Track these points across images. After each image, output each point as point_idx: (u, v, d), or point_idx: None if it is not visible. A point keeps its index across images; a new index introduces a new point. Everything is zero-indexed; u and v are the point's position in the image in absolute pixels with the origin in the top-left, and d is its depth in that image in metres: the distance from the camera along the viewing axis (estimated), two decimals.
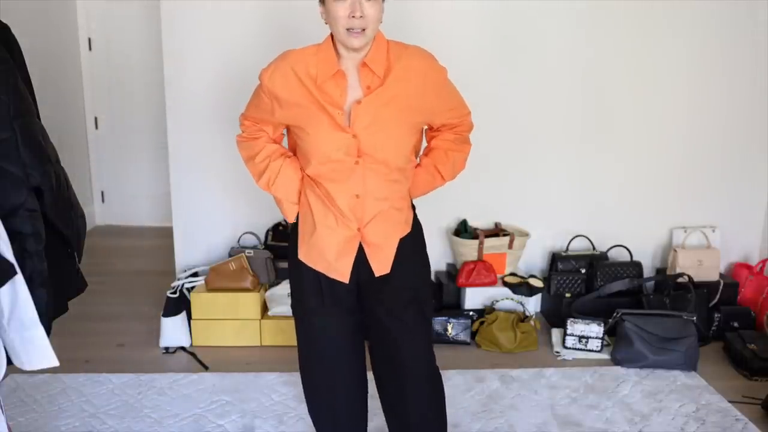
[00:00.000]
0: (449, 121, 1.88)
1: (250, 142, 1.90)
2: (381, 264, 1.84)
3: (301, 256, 1.87)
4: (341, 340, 1.94)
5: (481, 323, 3.16)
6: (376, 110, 1.72)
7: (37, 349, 1.66)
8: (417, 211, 1.97)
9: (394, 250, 1.84)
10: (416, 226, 1.93)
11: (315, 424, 2.09)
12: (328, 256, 1.82)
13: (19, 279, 1.60)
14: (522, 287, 3.27)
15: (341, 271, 1.83)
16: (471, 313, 3.24)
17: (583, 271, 3.37)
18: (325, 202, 1.80)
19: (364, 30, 1.65)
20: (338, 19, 1.65)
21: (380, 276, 1.84)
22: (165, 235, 3.96)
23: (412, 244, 1.90)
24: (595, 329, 3.05)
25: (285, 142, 1.96)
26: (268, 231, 3.39)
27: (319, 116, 1.72)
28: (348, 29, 1.65)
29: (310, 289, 1.89)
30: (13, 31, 1.76)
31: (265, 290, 3.19)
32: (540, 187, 3.45)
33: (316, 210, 1.81)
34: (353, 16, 1.63)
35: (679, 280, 3.23)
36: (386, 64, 1.73)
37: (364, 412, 2.09)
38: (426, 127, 1.93)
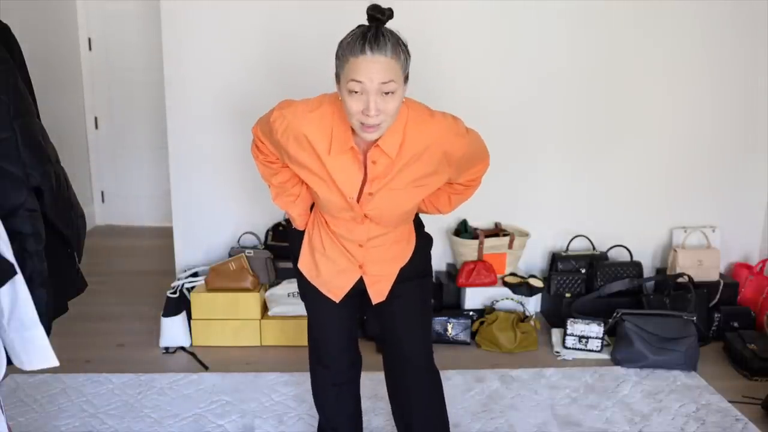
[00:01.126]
0: (465, 180, 1.85)
1: (268, 165, 1.84)
2: (378, 293, 1.86)
3: (301, 266, 1.89)
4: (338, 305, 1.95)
5: (481, 323, 3.16)
6: (387, 196, 1.68)
7: (37, 349, 1.66)
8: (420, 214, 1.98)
9: (393, 280, 1.85)
10: (421, 242, 1.92)
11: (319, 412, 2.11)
12: (327, 275, 1.85)
13: (19, 279, 1.60)
14: (522, 287, 3.27)
15: (334, 293, 1.87)
16: (471, 313, 3.24)
17: (583, 271, 3.37)
18: (330, 235, 1.82)
19: (379, 125, 1.53)
20: (351, 114, 1.53)
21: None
22: (165, 235, 3.96)
23: (416, 255, 1.90)
24: (595, 329, 3.05)
25: None
26: (268, 231, 3.39)
27: (330, 188, 1.68)
28: (362, 123, 1.53)
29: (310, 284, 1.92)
30: (14, 31, 1.76)
31: (265, 290, 3.19)
32: (540, 187, 3.45)
33: (324, 237, 1.83)
34: (367, 114, 1.51)
35: (679, 280, 3.23)
36: (401, 139, 1.61)
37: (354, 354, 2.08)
38: None
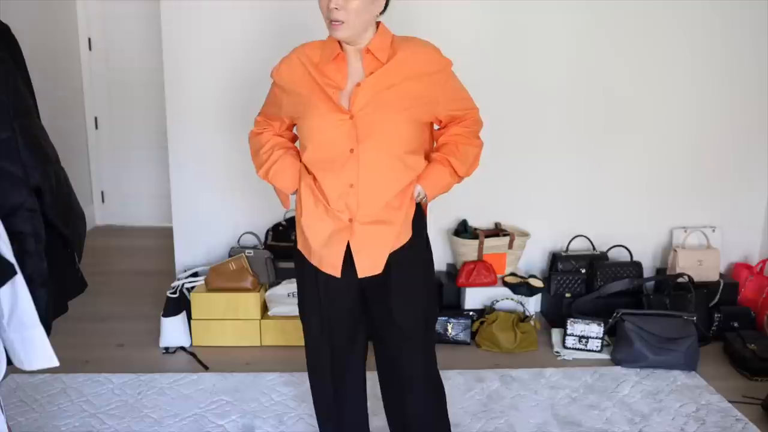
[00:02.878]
0: (454, 113, 1.85)
1: (257, 137, 1.94)
2: (364, 264, 1.77)
3: (299, 245, 1.88)
4: (341, 339, 1.95)
5: (481, 323, 3.16)
6: (376, 92, 1.72)
7: (37, 349, 1.66)
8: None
9: (383, 253, 1.77)
10: (419, 231, 1.86)
11: (318, 424, 2.11)
12: (316, 245, 1.79)
13: (19, 279, 1.60)
14: (522, 287, 3.27)
15: (331, 263, 1.78)
16: (471, 313, 3.24)
17: (583, 271, 3.37)
18: (315, 192, 1.78)
19: (343, 22, 1.67)
20: (322, 11, 1.70)
21: (382, 285, 1.82)
22: (165, 235, 3.96)
23: (415, 252, 1.85)
24: (595, 329, 3.05)
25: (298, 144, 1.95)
26: (268, 231, 3.39)
27: (318, 99, 1.74)
28: (329, 20, 1.68)
29: (308, 285, 1.90)
30: (14, 31, 1.76)
31: (265, 290, 3.19)
32: (540, 187, 3.45)
33: (305, 198, 1.80)
34: (329, 8, 1.66)
35: (679, 280, 3.23)
36: (390, 53, 1.76)
37: (364, 405, 2.11)
38: (436, 126, 1.92)
